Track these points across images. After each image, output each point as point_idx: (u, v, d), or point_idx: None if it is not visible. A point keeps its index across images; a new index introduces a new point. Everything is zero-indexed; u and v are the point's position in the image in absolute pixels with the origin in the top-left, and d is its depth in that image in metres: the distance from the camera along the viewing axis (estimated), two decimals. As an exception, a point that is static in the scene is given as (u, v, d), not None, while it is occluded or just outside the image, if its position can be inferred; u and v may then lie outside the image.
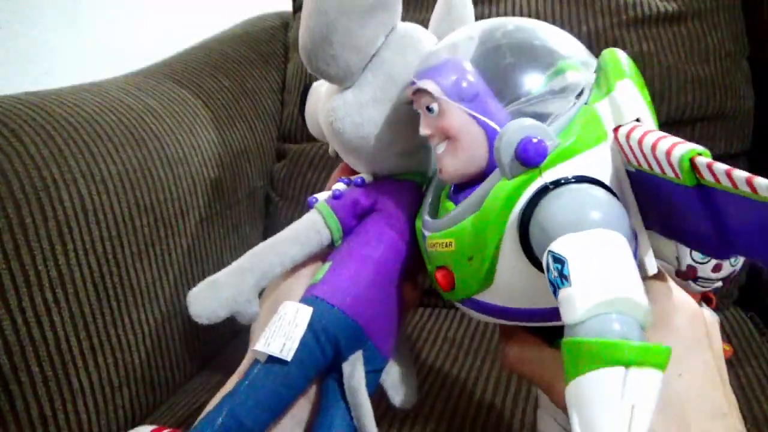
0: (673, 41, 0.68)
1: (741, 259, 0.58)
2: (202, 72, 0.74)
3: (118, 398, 0.52)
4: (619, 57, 0.31)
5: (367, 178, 0.39)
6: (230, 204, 0.69)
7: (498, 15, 0.72)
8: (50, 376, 0.46)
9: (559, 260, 0.23)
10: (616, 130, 0.27)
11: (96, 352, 0.49)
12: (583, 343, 0.22)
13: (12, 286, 0.43)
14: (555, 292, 0.24)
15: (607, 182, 0.27)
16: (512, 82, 0.29)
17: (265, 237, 0.84)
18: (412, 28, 0.39)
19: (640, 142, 0.25)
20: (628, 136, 0.26)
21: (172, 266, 0.59)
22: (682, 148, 0.23)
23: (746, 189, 0.20)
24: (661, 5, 0.69)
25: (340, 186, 0.38)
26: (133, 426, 0.54)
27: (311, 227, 0.37)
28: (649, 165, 0.25)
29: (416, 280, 0.39)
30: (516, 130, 0.26)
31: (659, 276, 0.29)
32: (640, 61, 0.67)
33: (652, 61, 0.67)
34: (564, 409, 0.22)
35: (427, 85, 0.30)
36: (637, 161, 0.25)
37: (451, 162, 0.31)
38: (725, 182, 0.21)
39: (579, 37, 0.36)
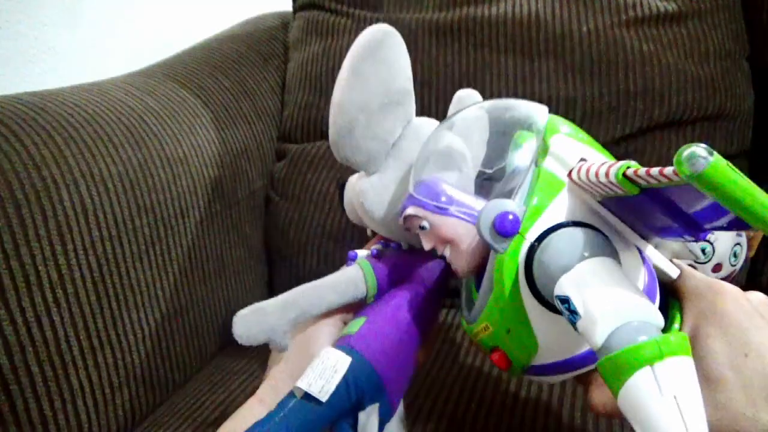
0: (673, 41, 0.68)
1: (741, 259, 0.58)
2: (202, 72, 0.74)
3: (118, 398, 0.52)
4: (551, 121, 0.35)
5: (404, 244, 0.43)
6: (230, 204, 0.69)
7: (498, 15, 0.72)
8: (50, 376, 0.46)
9: (564, 300, 0.27)
10: (569, 175, 0.31)
11: (96, 352, 0.49)
12: (610, 359, 0.24)
13: (12, 286, 0.43)
14: (576, 328, 0.26)
15: (582, 217, 0.30)
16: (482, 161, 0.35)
17: (265, 237, 0.84)
18: (426, 121, 0.43)
19: (587, 177, 0.28)
20: (579, 176, 0.30)
21: (172, 266, 0.59)
22: (615, 167, 0.26)
23: (666, 180, 0.23)
24: (661, 5, 0.69)
25: (378, 247, 0.43)
26: (133, 426, 0.54)
27: (352, 281, 0.41)
28: (604, 190, 0.28)
29: (431, 346, 0.42)
30: (487, 213, 0.30)
31: (687, 275, 0.32)
32: (640, 61, 0.67)
33: (652, 61, 0.67)
34: None
35: (413, 211, 0.35)
36: (594, 191, 0.29)
37: (459, 262, 0.35)
38: (653, 182, 0.24)
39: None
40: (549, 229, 0.30)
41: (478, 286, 0.35)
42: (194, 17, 1.18)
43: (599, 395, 0.32)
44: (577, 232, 0.29)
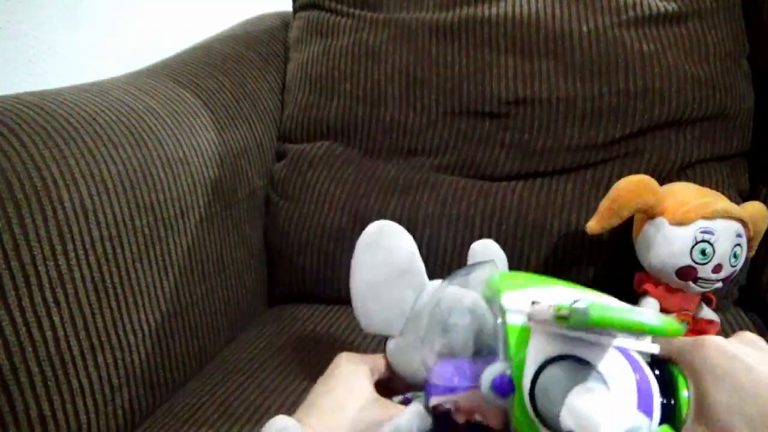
0: (673, 41, 0.68)
1: (741, 260, 0.58)
2: (202, 72, 0.74)
3: (118, 398, 0.52)
4: (491, 279, 0.39)
5: None
6: (230, 204, 0.69)
7: (498, 15, 0.72)
8: (50, 376, 0.46)
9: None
10: (529, 320, 0.35)
11: (96, 352, 0.49)
12: None
13: (12, 286, 0.43)
14: None
15: (558, 352, 0.33)
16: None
17: (265, 237, 0.83)
18: (438, 283, 0.46)
19: (544, 321, 0.33)
20: (536, 319, 0.34)
21: (172, 266, 0.59)
22: (549, 313, 0.31)
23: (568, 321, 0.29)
24: (661, 5, 0.69)
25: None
26: (133, 426, 0.54)
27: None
28: (555, 324, 0.32)
29: None
30: (485, 383, 0.35)
31: (669, 342, 0.35)
32: (640, 61, 0.67)
33: (652, 61, 0.67)
34: None
35: (436, 401, 0.39)
36: (552, 325, 0.33)
37: (492, 421, 0.38)
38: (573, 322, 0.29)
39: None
40: (534, 374, 0.33)
41: None
42: (194, 17, 1.18)
43: None
44: (555, 371, 0.33)
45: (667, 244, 0.56)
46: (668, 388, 0.34)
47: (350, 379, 0.42)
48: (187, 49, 0.80)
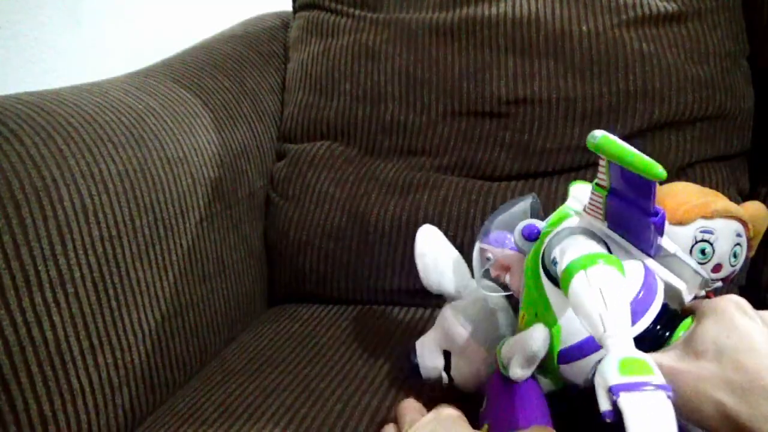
0: (673, 41, 0.68)
1: (741, 259, 0.58)
2: (202, 72, 0.74)
3: (118, 398, 0.52)
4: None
5: None
6: (230, 204, 0.69)
7: (498, 15, 0.72)
8: (50, 376, 0.46)
9: (554, 261, 0.37)
10: (584, 210, 0.41)
11: (96, 352, 0.49)
12: (563, 272, 0.34)
13: (12, 286, 0.43)
14: (557, 275, 0.36)
15: (588, 227, 0.40)
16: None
17: (265, 237, 0.83)
18: None
19: (590, 203, 0.40)
20: (588, 207, 0.40)
21: (172, 266, 0.59)
22: (592, 184, 0.39)
23: (602, 164, 0.37)
24: (661, 5, 0.69)
25: None
26: (133, 426, 0.54)
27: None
28: (597, 205, 0.39)
29: None
30: (519, 226, 0.43)
31: (699, 301, 0.39)
32: (640, 61, 0.67)
33: (652, 61, 0.67)
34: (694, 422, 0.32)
35: (486, 246, 0.46)
36: (597, 212, 0.39)
37: (514, 282, 0.45)
38: (601, 169, 0.38)
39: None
40: (558, 230, 0.40)
41: None
42: (194, 17, 1.18)
43: None
44: (577, 229, 0.39)
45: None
46: (669, 323, 0.37)
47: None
48: (187, 49, 0.80)
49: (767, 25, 0.70)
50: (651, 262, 0.38)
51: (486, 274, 0.49)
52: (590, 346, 0.36)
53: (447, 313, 0.49)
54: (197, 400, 0.55)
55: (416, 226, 0.70)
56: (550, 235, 0.39)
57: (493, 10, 0.72)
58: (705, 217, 0.56)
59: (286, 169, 0.78)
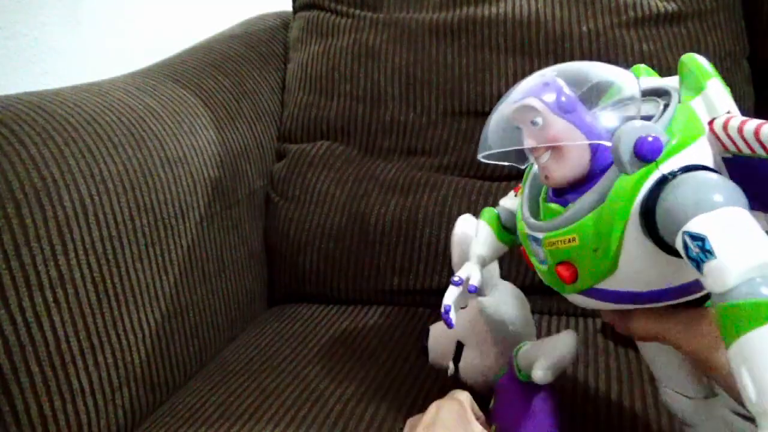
0: (673, 41, 0.68)
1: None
2: (202, 72, 0.74)
3: (118, 398, 0.52)
4: (700, 61, 0.34)
5: None
6: (230, 204, 0.69)
7: (498, 15, 0.72)
8: (50, 376, 0.46)
9: (698, 238, 0.26)
10: (711, 123, 0.30)
11: (96, 352, 0.49)
12: (737, 306, 0.24)
13: (12, 286, 0.43)
14: (699, 267, 0.26)
15: (717, 168, 0.30)
16: (601, 90, 0.34)
17: (265, 237, 0.83)
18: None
19: (728, 130, 0.29)
20: (725, 127, 0.29)
21: (172, 266, 0.59)
22: (765, 126, 0.27)
23: None
24: (661, 5, 0.69)
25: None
26: (133, 426, 0.54)
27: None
28: (749, 148, 0.28)
29: None
30: (631, 130, 0.29)
31: None
32: (640, 61, 0.67)
33: (652, 61, 0.67)
34: (715, 372, 0.28)
35: (532, 102, 0.33)
36: (737, 147, 0.29)
37: (558, 168, 0.34)
38: None
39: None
40: (688, 166, 0.29)
41: (554, 200, 0.36)
42: (194, 17, 1.18)
43: (642, 322, 0.34)
44: (718, 179, 0.29)
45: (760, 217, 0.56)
46: None
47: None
48: (187, 49, 0.80)
49: (767, 25, 0.70)
50: (759, 217, 0.30)
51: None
52: (636, 297, 0.32)
53: (473, 305, 0.48)
54: (197, 400, 0.55)
55: (416, 226, 0.70)
56: (679, 182, 0.28)
57: (493, 10, 0.72)
58: None
59: (286, 169, 0.78)
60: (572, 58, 0.69)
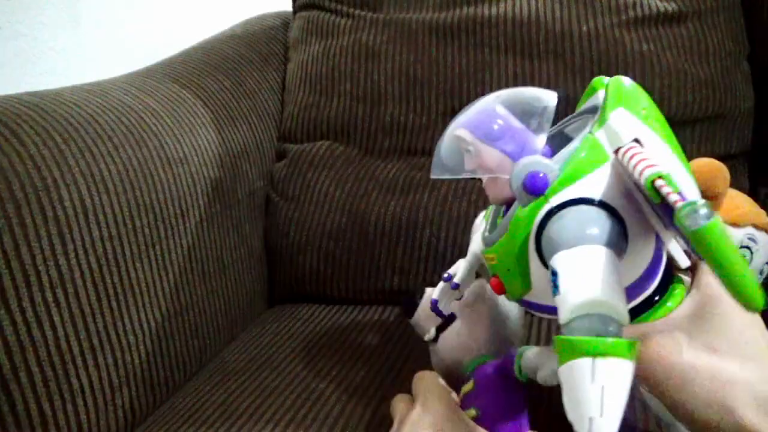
0: (673, 41, 0.68)
1: (764, 275, 0.58)
2: (202, 72, 0.74)
3: (118, 398, 0.52)
4: (618, 85, 0.35)
5: None
6: (230, 204, 0.69)
7: (497, 15, 0.72)
8: (50, 376, 0.46)
9: (554, 273, 0.29)
10: (616, 152, 0.31)
11: (96, 352, 0.49)
12: (564, 339, 0.27)
13: (12, 286, 0.43)
14: (553, 298, 0.29)
15: (611, 197, 0.31)
16: (548, 114, 0.35)
17: (265, 237, 0.83)
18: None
19: (627, 163, 0.29)
20: (622, 158, 0.30)
21: (172, 266, 0.59)
22: (648, 171, 0.27)
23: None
24: (661, 5, 0.69)
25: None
26: (134, 426, 0.54)
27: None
28: (636, 183, 0.29)
29: None
30: (522, 167, 0.32)
31: (696, 267, 0.34)
32: (640, 61, 0.67)
33: (652, 61, 0.67)
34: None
35: (460, 132, 0.35)
36: (631, 178, 0.30)
37: (492, 190, 0.36)
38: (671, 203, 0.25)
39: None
40: (571, 200, 0.31)
41: (503, 216, 0.37)
42: (194, 17, 1.18)
43: None
44: (594, 214, 0.30)
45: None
46: (660, 288, 0.34)
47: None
48: (187, 49, 0.80)
49: (767, 25, 0.70)
50: (663, 233, 0.32)
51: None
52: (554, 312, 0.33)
53: (485, 286, 0.47)
54: (197, 400, 0.55)
55: (416, 226, 0.70)
56: (559, 216, 0.31)
57: (493, 10, 0.72)
58: (756, 226, 0.56)
59: (286, 169, 0.78)
60: (572, 58, 0.69)
